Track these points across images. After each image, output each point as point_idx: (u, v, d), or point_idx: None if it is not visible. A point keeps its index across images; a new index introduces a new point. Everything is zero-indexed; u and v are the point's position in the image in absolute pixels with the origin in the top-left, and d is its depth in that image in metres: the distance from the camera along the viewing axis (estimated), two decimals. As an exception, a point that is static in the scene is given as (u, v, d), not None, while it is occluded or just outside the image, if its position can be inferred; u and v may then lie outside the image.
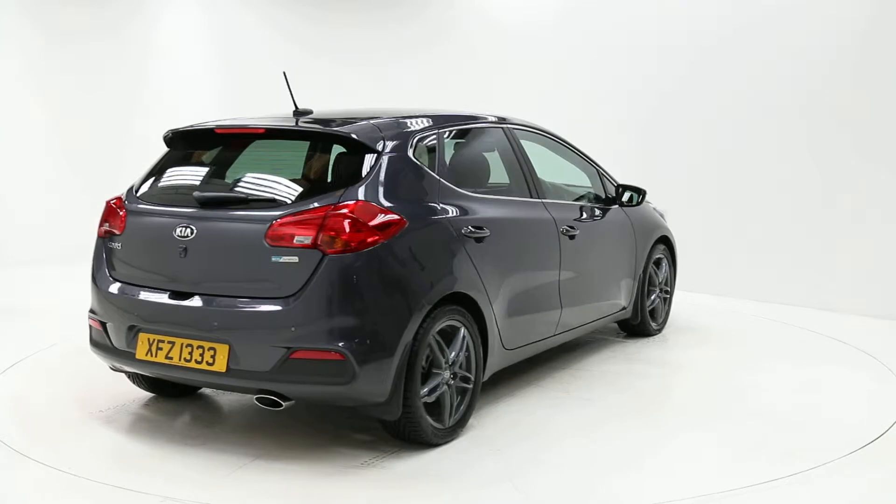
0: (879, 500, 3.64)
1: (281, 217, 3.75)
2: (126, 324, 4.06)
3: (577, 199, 5.56)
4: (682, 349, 5.98)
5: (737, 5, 7.79)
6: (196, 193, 4.06)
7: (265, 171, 4.18)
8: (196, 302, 3.88)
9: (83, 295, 4.64)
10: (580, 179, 5.76)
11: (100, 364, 4.75)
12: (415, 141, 4.19)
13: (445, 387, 4.04)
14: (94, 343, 4.33)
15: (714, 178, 8.00)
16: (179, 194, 4.22)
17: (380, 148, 3.99)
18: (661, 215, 6.44)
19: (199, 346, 3.82)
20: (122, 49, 10.32)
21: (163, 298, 3.97)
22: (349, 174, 3.90)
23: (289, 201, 3.84)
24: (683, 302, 7.17)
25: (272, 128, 4.17)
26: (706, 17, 7.97)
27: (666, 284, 6.37)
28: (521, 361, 5.16)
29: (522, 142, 5.17)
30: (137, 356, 4.01)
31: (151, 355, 3.95)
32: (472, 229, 4.26)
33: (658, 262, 6.25)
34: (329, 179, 4.00)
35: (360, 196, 3.79)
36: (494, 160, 4.98)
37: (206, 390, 4.82)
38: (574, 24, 8.93)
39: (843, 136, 7.19)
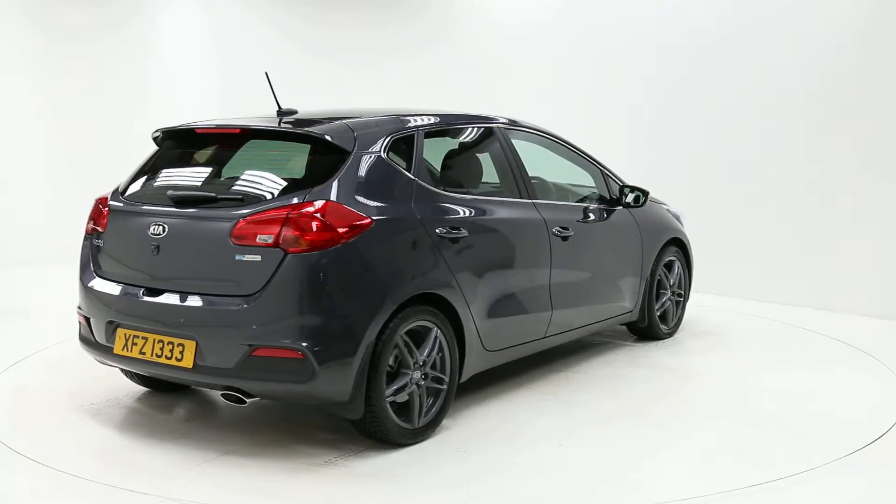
0: (879, 500, 3.64)
1: (245, 216, 3.80)
2: (105, 319, 4.18)
3: (580, 200, 5.51)
4: (690, 354, 5.86)
5: (737, 5, 7.79)
6: (170, 192, 4.15)
7: (239, 170, 4.24)
8: (167, 298, 3.96)
9: (83, 295, 4.64)
10: (585, 180, 5.72)
11: (99, 365, 4.76)
12: (390, 141, 4.20)
13: (415, 387, 4.05)
14: (81, 338, 4.45)
15: (714, 178, 7.99)
16: (157, 193, 4.29)
17: (350, 148, 4.01)
18: (678, 217, 6.33)
19: (168, 343, 3.91)
20: (122, 49, 10.31)
21: (137, 295, 4.07)
22: (319, 174, 3.93)
23: (256, 201, 3.88)
24: (688, 303, 7.11)
25: (247, 128, 4.23)
26: (706, 18, 7.97)
27: (680, 287, 6.25)
28: (515, 362, 5.15)
29: (519, 142, 5.15)
30: (115, 351, 4.13)
31: (127, 350, 4.06)
32: (448, 230, 4.23)
33: (669, 265, 6.13)
34: (299, 179, 3.98)
35: (325, 196, 3.81)
36: (485, 160, 4.96)
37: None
38: (574, 24, 8.93)
39: (844, 136, 7.19)
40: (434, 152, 5.08)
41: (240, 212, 3.83)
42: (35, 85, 9.83)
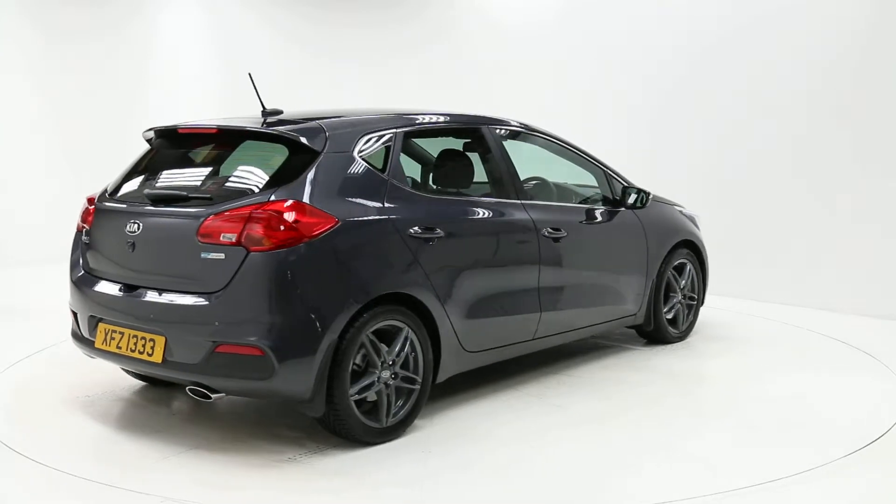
0: (879, 500, 3.64)
1: (211, 214, 3.86)
2: (88, 314, 4.33)
3: (583, 201, 5.47)
4: (696, 358, 5.73)
5: (737, 5, 7.79)
6: (146, 191, 4.27)
7: (213, 169, 4.32)
8: (140, 294, 4.07)
9: (83, 295, 4.65)
10: (590, 181, 5.67)
11: (99, 362, 4.78)
12: (363, 141, 4.21)
13: (383, 386, 4.05)
14: (72, 333, 4.58)
15: (713, 178, 7.99)
16: (137, 192, 4.38)
17: (320, 148, 4.04)
18: (692, 219, 6.23)
19: (141, 338, 4.01)
20: (122, 49, 10.32)
21: (115, 290, 4.19)
22: (288, 174, 3.96)
23: (224, 199, 3.93)
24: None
25: (223, 128, 4.28)
26: (706, 17, 7.97)
27: (692, 291, 6.14)
28: (508, 363, 5.15)
29: (519, 143, 5.14)
30: (96, 345, 4.25)
31: (106, 344, 4.18)
32: (421, 230, 4.22)
33: (680, 268, 6.02)
34: (268, 179, 3.99)
35: (288, 195, 3.84)
36: (474, 161, 4.94)
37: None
38: (574, 24, 8.93)
39: (844, 136, 7.18)
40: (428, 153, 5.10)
41: (207, 210, 3.90)
42: (35, 85, 9.83)
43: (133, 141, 4.78)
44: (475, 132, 4.95)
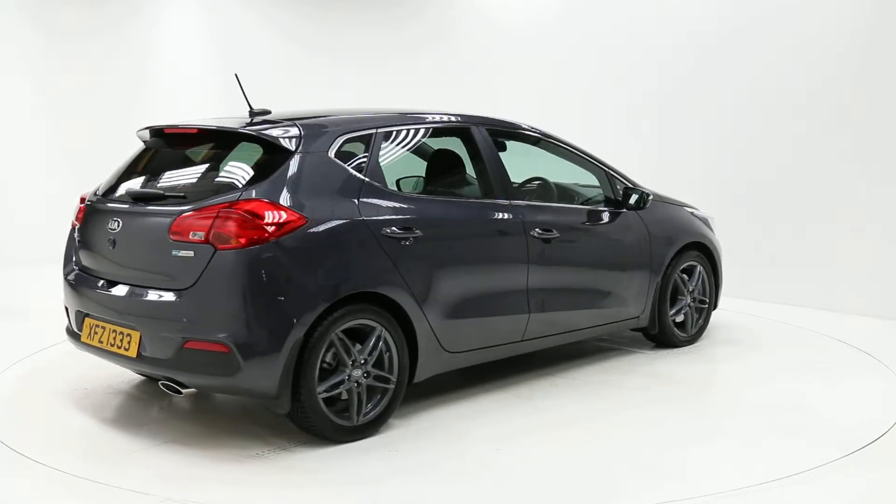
0: (879, 500, 3.64)
1: (183, 213, 3.93)
2: (76, 309, 4.46)
3: (584, 202, 5.43)
4: (702, 363, 5.62)
5: (737, 5, 7.79)
6: (128, 189, 4.36)
7: (191, 168, 4.42)
8: (119, 290, 4.18)
9: (83, 295, 4.68)
10: (593, 182, 5.60)
11: (99, 362, 4.79)
12: (340, 141, 4.24)
13: (354, 385, 4.07)
14: (66, 329, 4.67)
15: (713, 178, 7.99)
16: (122, 190, 4.45)
17: (293, 148, 4.08)
18: (706, 221, 6.11)
19: (119, 332, 4.12)
20: (122, 49, 10.32)
21: (98, 286, 4.31)
22: (259, 173, 4.02)
23: (197, 198, 4.00)
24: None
25: (203, 128, 4.35)
26: (706, 18, 7.97)
27: (703, 294, 6.01)
28: (502, 365, 5.13)
29: (518, 144, 5.12)
30: (82, 339, 4.39)
31: (90, 339, 4.31)
32: (397, 230, 4.23)
33: (690, 270, 5.91)
34: (241, 178, 4.06)
35: (257, 194, 3.89)
36: (463, 161, 4.94)
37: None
38: (574, 24, 8.93)
39: (844, 136, 7.18)
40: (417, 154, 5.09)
41: (179, 209, 3.97)
42: (35, 85, 9.83)
43: (133, 141, 4.80)
44: (463, 132, 4.92)
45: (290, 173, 4.00)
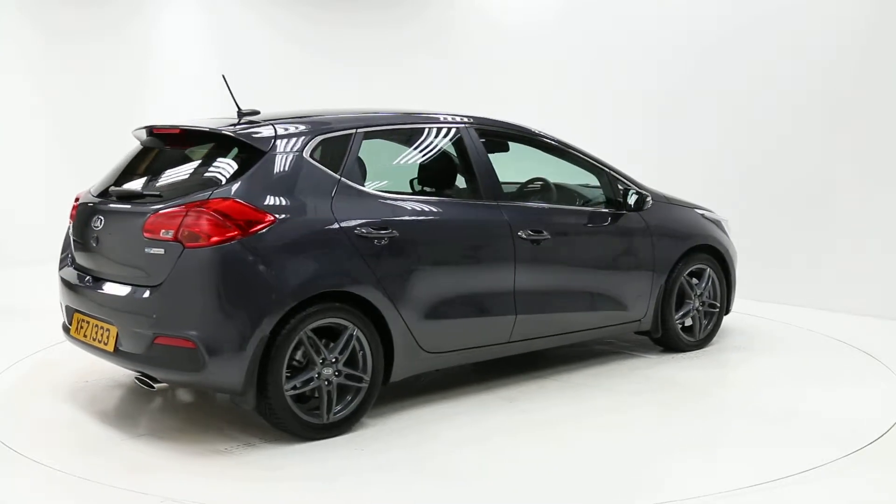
0: (879, 500, 3.63)
1: (156, 211, 4.03)
2: (66, 304, 4.61)
3: (585, 203, 5.38)
4: (706, 368, 5.46)
5: (737, 5, 7.79)
6: (112, 188, 4.46)
7: (170, 168, 4.50)
8: (100, 286, 4.31)
9: (83, 295, 4.70)
10: (595, 183, 5.53)
11: (99, 362, 4.79)
12: (315, 142, 4.28)
13: (323, 383, 4.10)
14: (62, 324, 4.75)
15: (713, 178, 7.99)
16: (109, 189, 4.53)
17: (267, 148, 4.15)
18: (719, 223, 6.00)
19: (100, 327, 4.24)
20: (122, 49, 10.32)
21: (84, 282, 4.43)
22: (232, 173, 4.10)
23: (172, 197, 4.08)
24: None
25: (184, 128, 4.43)
26: (706, 18, 7.97)
27: (714, 298, 5.88)
28: (494, 366, 5.12)
29: (515, 144, 5.11)
30: (71, 333, 4.54)
31: (78, 333, 4.45)
32: (372, 230, 4.24)
33: (699, 273, 5.79)
34: (214, 178, 4.13)
35: (226, 193, 3.96)
36: (452, 161, 4.93)
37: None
38: (574, 24, 8.93)
39: (844, 136, 7.18)
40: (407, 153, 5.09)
41: (153, 207, 4.07)
42: (35, 85, 9.83)
43: (133, 141, 4.82)
44: (451, 132, 4.91)
45: (261, 173, 4.07)
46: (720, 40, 7.86)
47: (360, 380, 4.22)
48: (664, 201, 5.71)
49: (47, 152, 9.93)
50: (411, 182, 4.98)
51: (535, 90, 9.14)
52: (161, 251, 3.94)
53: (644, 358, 5.66)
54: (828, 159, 7.28)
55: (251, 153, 4.13)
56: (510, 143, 5.30)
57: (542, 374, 5.24)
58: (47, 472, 3.79)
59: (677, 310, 5.69)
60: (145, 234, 4.00)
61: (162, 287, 3.93)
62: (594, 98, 8.76)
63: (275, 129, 4.24)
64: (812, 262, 7.40)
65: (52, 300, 6.80)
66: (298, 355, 4.07)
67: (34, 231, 9.33)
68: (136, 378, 4.22)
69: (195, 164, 4.37)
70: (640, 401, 4.83)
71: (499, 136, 5.16)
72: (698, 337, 5.83)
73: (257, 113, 4.59)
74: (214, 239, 3.85)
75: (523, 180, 5.53)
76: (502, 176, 4.96)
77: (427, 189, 4.90)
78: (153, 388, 4.13)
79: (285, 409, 4.00)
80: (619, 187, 5.43)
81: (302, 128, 4.32)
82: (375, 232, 4.25)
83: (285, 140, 4.21)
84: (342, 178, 4.27)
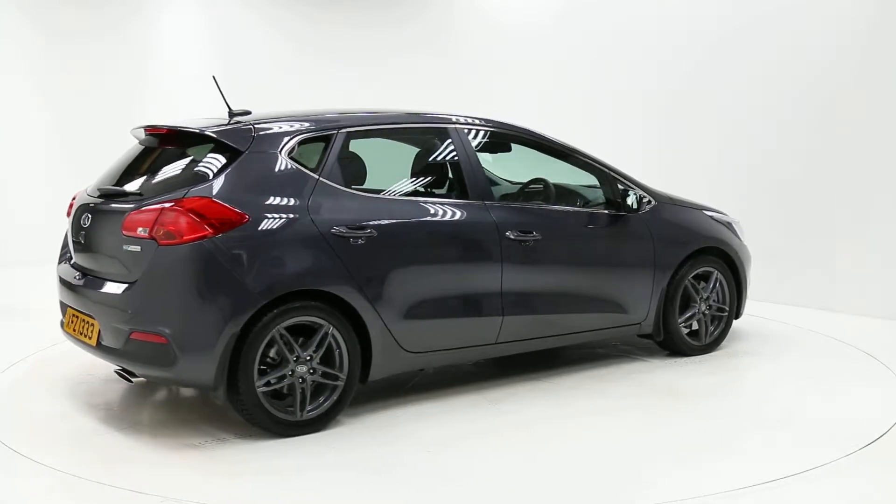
0: (879, 500, 3.63)
1: (134, 210, 4.12)
2: (60, 299, 4.72)
3: (585, 204, 5.31)
4: (705, 375, 5.30)
5: (737, 5, 7.78)
6: (100, 187, 4.53)
7: (154, 167, 4.52)
8: (87, 282, 4.41)
9: (82, 295, 4.71)
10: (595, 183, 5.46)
11: (98, 362, 4.80)
12: (294, 141, 4.33)
13: (297, 381, 4.13)
14: (60, 321, 4.81)
15: (713, 179, 7.99)
16: (98, 188, 4.60)
17: (244, 147, 4.21)
18: (729, 225, 5.89)
19: (87, 322, 4.36)
20: (122, 49, 10.31)
21: (75, 278, 4.53)
22: (209, 172, 4.16)
23: (151, 196, 4.17)
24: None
25: (171, 128, 4.50)
26: (706, 17, 7.97)
27: (722, 302, 5.74)
28: (488, 366, 5.11)
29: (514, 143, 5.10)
30: (64, 328, 4.67)
31: (69, 328, 4.58)
32: (349, 229, 4.25)
33: (706, 276, 5.66)
34: (192, 177, 4.20)
35: (200, 192, 4.03)
36: (440, 162, 4.91)
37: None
38: (574, 24, 8.93)
39: (843, 136, 7.18)
40: (402, 153, 5.12)
41: (133, 206, 4.16)
42: (35, 85, 9.83)
43: (133, 141, 4.83)
44: (440, 133, 4.90)
45: (236, 172, 4.14)
46: (720, 40, 7.86)
47: (335, 378, 4.24)
48: (669, 202, 5.60)
49: (47, 152, 9.92)
50: (397, 182, 4.92)
51: (535, 90, 9.14)
52: (137, 248, 4.03)
53: (644, 362, 5.58)
54: (828, 159, 7.28)
55: (230, 153, 4.20)
56: (511, 144, 5.29)
57: (534, 377, 5.18)
58: (49, 471, 3.79)
59: (682, 313, 5.60)
60: (124, 232, 4.09)
61: (137, 283, 4.02)
62: (594, 98, 8.76)
63: (254, 129, 4.30)
64: (812, 263, 7.39)
65: (51, 300, 6.81)
66: (272, 353, 4.11)
67: (34, 231, 9.33)
68: (116, 371, 4.42)
69: (178, 163, 4.44)
70: (628, 404, 4.76)
71: (499, 137, 5.14)
72: (704, 341, 5.70)
73: (248, 113, 4.63)
74: (187, 237, 3.93)
75: (523, 181, 5.51)
76: (502, 176, 4.94)
77: (413, 189, 4.88)
78: (131, 381, 4.34)
79: (257, 406, 4.05)
80: (619, 188, 5.35)
81: (282, 128, 4.37)
82: (352, 231, 4.27)
83: (264, 140, 4.27)
84: (321, 178, 4.31)
